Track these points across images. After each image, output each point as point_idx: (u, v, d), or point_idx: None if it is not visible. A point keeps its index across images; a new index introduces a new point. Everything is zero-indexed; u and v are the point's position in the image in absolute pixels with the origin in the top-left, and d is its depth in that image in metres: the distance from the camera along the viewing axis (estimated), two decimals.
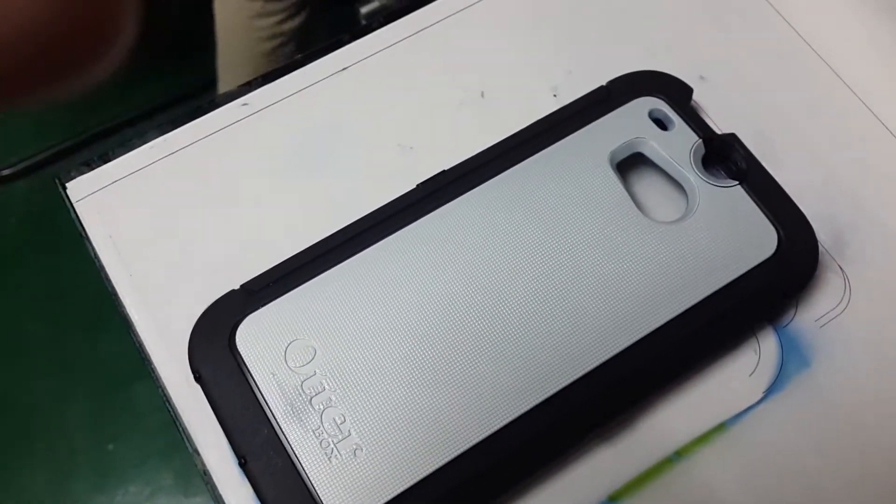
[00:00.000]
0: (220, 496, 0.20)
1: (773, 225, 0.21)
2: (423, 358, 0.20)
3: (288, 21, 0.61)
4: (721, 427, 0.21)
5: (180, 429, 0.21)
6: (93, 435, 0.79)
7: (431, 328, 0.20)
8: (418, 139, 0.24)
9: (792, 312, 0.22)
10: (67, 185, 0.23)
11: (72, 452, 0.79)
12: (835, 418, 0.21)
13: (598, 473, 0.20)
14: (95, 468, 0.79)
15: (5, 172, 0.79)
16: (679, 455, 0.21)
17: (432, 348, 0.20)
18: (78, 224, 0.23)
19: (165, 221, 0.23)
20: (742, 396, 0.21)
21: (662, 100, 0.23)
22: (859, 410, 0.21)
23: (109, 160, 0.24)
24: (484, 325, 0.20)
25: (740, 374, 0.21)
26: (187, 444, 0.21)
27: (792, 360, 0.21)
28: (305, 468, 0.19)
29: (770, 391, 0.21)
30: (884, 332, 0.22)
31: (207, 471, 0.20)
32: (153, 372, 0.21)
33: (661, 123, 0.23)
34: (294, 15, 0.61)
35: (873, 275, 0.22)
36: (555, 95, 0.25)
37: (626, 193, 0.22)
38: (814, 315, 0.22)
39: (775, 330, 0.22)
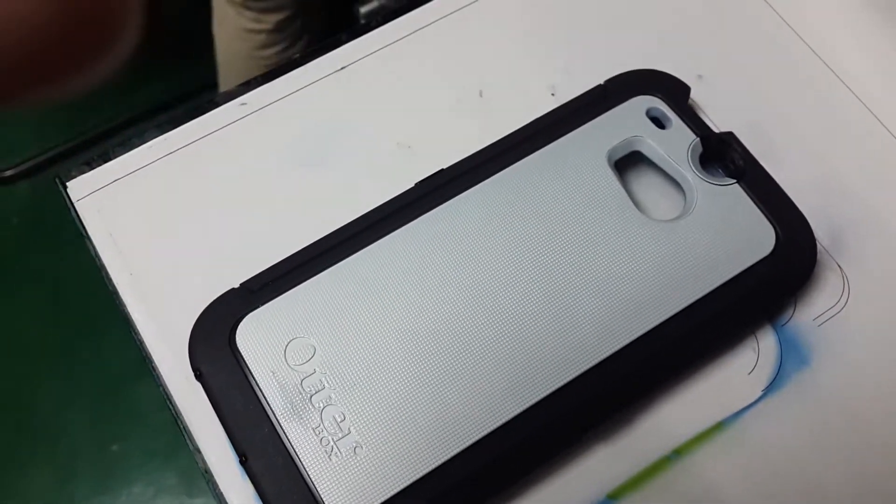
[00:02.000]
0: (222, 494, 0.20)
1: (771, 223, 0.21)
2: (422, 356, 0.20)
3: (289, 49, 0.61)
4: (720, 426, 0.21)
5: (181, 427, 0.21)
6: (96, 436, 0.80)
7: (430, 327, 0.20)
8: (416, 138, 0.24)
9: (790, 311, 0.22)
10: (68, 184, 0.24)
11: (75, 454, 0.79)
12: (834, 417, 0.21)
13: (597, 472, 0.20)
14: (99, 469, 0.79)
15: (7, 173, 0.80)
16: (678, 454, 0.21)
17: (431, 347, 0.20)
18: (79, 223, 0.23)
19: (165, 220, 0.23)
20: (741, 395, 0.21)
21: (660, 98, 0.23)
22: (858, 409, 0.21)
23: (110, 159, 0.24)
24: (482, 324, 0.20)
25: (739, 373, 0.21)
26: (188, 443, 0.21)
27: (791, 359, 0.22)
28: (306, 466, 0.19)
29: (769, 390, 0.21)
30: (882, 330, 0.22)
31: (209, 469, 0.20)
32: (154, 370, 0.21)
33: (659, 122, 0.23)
34: (295, 42, 0.61)
35: (872, 273, 0.22)
36: (553, 94, 0.25)
37: (623, 192, 0.22)
38: (812, 314, 0.22)
39: (774, 328, 0.22)
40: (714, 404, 0.21)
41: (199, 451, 0.21)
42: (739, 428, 0.21)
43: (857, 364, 0.21)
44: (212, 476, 0.20)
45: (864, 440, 0.21)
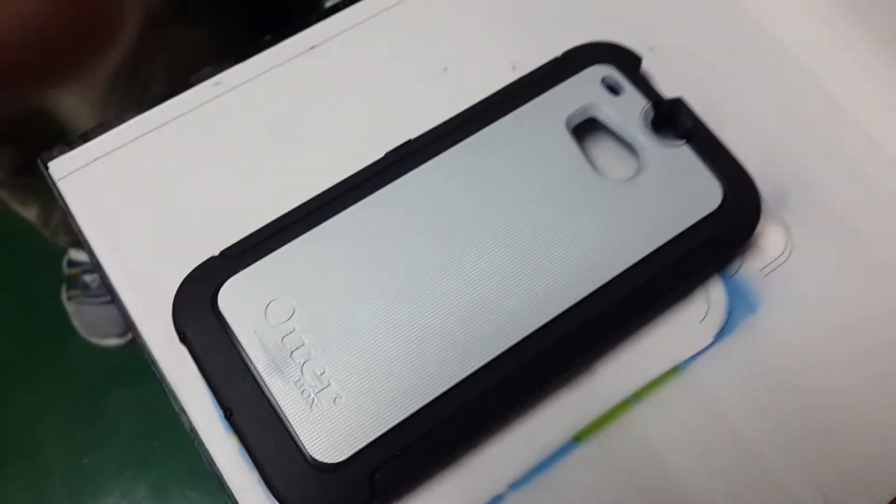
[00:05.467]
0: (207, 450, 0.21)
1: (718, 180, 0.23)
2: (395, 312, 0.21)
3: None
4: (675, 370, 0.22)
5: (167, 390, 0.22)
6: (67, 449, 0.78)
7: (402, 284, 0.21)
8: (385, 113, 0.25)
9: (738, 263, 0.24)
10: (49, 164, 0.24)
11: (47, 468, 0.78)
12: (779, 359, 0.23)
13: (563, 416, 0.22)
14: (71, 483, 0.78)
15: None
16: (637, 397, 0.22)
17: (403, 303, 0.21)
18: (61, 202, 0.24)
19: (146, 196, 0.24)
20: (693, 341, 0.23)
21: (614, 67, 0.24)
22: (800, 351, 0.23)
23: (89, 139, 0.25)
24: (451, 280, 0.21)
25: (691, 321, 0.23)
26: (174, 404, 0.22)
27: (739, 307, 0.23)
28: (288, 417, 0.20)
29: (719, 336, 0.23)
30: (823, 279, 0.24)
31: (194, 427, 0.21)
32: (139, 338, 0.22)
33: (613, 89, 0.24)
34: None
35: (813, 227, 0.24)
36: (514, 69, 0.26)
37: (581, 155, 0.23)
38: (758, 265, 0.24)
39: (723, 279, 0.23)
40: (669, 351, 0.22)
41: (184, 412, 0.22)
42: (693, 372, 0.22)
43: (800, 310, 0.23)
44: (197, 434, 0.21)
45: (805, 380, 0.22)
